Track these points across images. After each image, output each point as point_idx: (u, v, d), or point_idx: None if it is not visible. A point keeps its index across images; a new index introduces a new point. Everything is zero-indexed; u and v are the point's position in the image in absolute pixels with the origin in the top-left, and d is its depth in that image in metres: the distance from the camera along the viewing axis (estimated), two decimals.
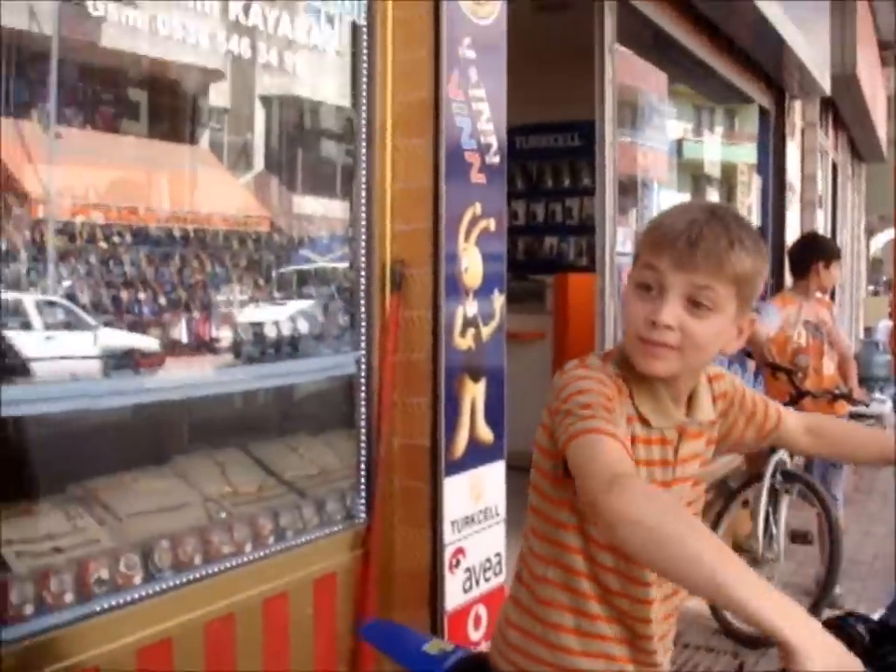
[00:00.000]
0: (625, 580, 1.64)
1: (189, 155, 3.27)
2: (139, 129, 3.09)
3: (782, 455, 4.93)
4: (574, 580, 1.64)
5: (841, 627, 1.35)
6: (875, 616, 1.39)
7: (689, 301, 1.54)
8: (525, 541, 1.73)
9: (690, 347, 1.56)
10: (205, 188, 3.31)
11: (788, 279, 5.49)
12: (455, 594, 3.42)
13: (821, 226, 10.85)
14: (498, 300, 3.50)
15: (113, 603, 2.62)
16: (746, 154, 8.28)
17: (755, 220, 7.98)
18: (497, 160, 3.57)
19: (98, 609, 2.58)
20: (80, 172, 2.83)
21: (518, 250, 7.87)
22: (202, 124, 3.37)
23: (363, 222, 3.37)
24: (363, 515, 3.40)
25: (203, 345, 3.04)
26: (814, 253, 5.31)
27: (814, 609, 4.55)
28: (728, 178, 8.19)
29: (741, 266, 1.55)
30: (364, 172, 3.36)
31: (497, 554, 3.64)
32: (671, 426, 1.65)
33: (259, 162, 3.56)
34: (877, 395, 9.92)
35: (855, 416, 8.35)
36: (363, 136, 3.36)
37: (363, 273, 3.37)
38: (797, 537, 5.18)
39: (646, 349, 1.57)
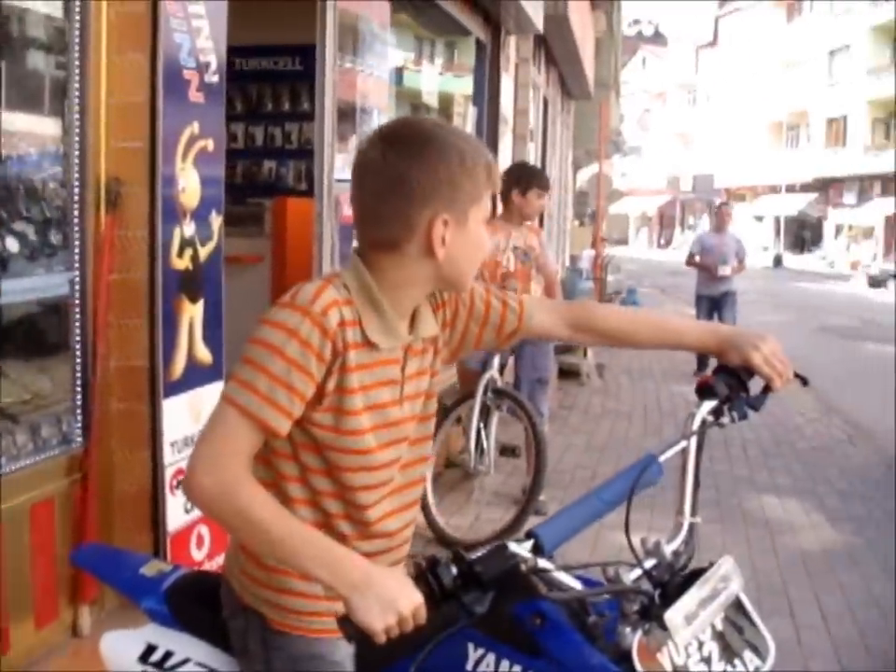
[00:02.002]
0: (346, 503, 1.70)
1: None
2: None
3: (493, 373, 5.22)
4: (292, 508, 1.67)
5: (428, 572, 1.45)
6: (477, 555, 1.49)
7: None
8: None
9: None
10: None
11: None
12: (176, 515, 3.43)
13: (532, 158, 11.33)
14: (216, 221, 3.49)
15: None
16: (463, 85, 8.49)
17: None
18: (216, 79, 3.52)
19: None
20: None
21: (237, 174, 7.75)
22: None
23: (76, 138, 3.25)
24: (80, 439, 3.33)
25: None
26: (512, 181, 5.62)
27: (521, 516, 4.90)
28: (445, 108, 8.38)
29: None
30: (77, 86, 3.23)
31: None
32: (398, 345, 1.70)
33: None
34: None
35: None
36: (76, 49, 3.22)
37: (76, 192, 3.26)
38: (506, 450, 5.52)
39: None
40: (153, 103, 3.23)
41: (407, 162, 1.61)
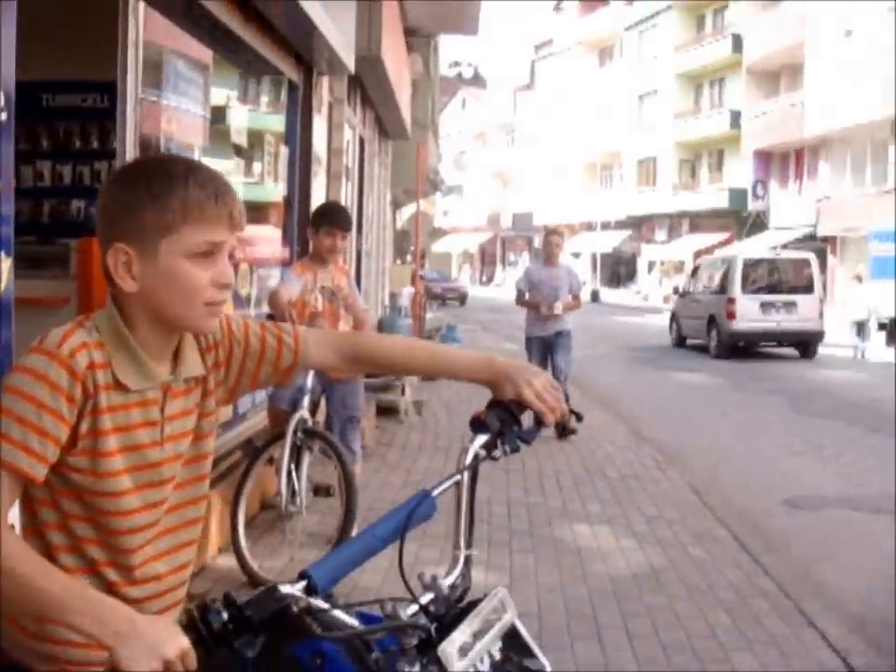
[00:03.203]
0: (108, 549, 1.67)
1: None
2: None
3: (303, 413, 5.20)
4: (54, 556, 1.64)
5: (198, 617, 1.44)
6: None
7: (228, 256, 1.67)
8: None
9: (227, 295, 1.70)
10: None
11: None
12: None
13: (348, 198, 11.39)
14: (5, 262, 3.36)
15: None
16: (278, 124, 8.47)
17: (282, 190, 8.23)
18: (3, 117, 3.40)
19: None
20: None
21: (43, 213, 7.51)
22: None
23: None
24: None
25: None
26: (311, 220, 5.69)
27: None
28: (259, 147, 8.34)
29: None
30: None
31: None
32: (154, 386, 1.68)
33: None
34: None
35: (374, 375, 8.93)
36: None
37: None
38: (320, 489, 5.49)
39: (214, 310, 1.66)
40: None
41: (104, 192, 1.66)
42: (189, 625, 1.45)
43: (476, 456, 1.80)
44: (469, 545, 1.79)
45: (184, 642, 1.42)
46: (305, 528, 5.40)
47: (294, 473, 5.12)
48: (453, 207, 69.96)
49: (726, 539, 6.44)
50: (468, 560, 1.78)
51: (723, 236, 42.21)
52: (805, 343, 19.92)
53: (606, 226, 51.36)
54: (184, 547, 1.78)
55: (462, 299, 42.18)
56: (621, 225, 51.33)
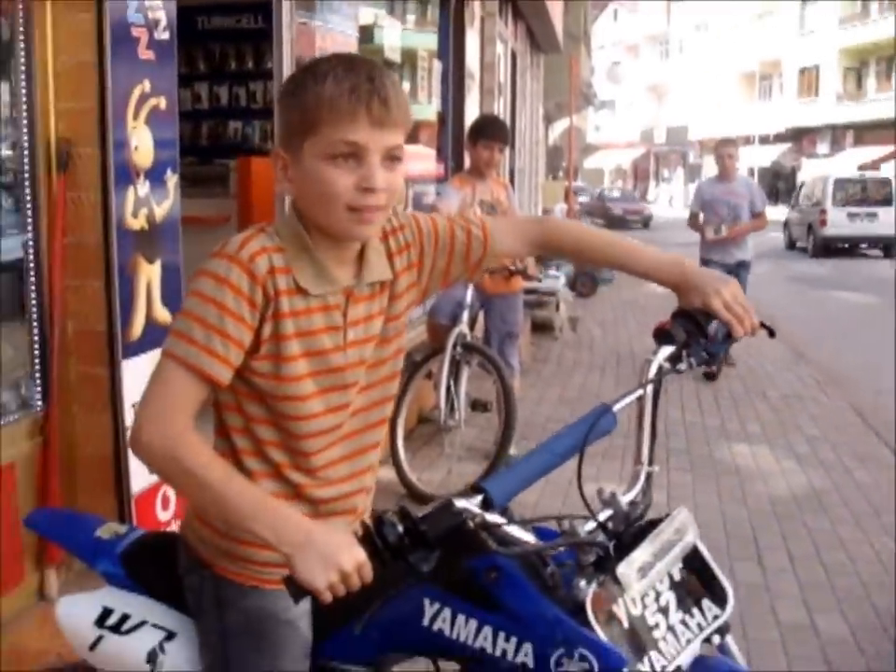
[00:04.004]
0: (291, 452, 1.68)
1: None
2: None
3: (462, 328, 5.20)
4: (240, 460, 1.67)
5: (374, 531, 1.43)
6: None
7: (385, 158, 1.58)
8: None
9: (391, 202, 1.62)
10: None
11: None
12: (140, 476, 3.40)
13: (501, 112, 11.23)
14: (171, 180, 3.42)
15: None
16: (429, 41, 8.39)
17: (436, 106, 8.17)
18: (166, 36, 3.45)
19: None
20: None
21: (202, 134, 7.67)
22: None
23: (24, 101, 3.18)
24: (40, 403, 3.29)
25: None
26: (469, 133, 5.60)
27: (491, 470, 4.89)
28: (412, 64, 8.28)
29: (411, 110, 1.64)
30: (23, 48, 3.15)
31: None
32: (336, 290, 1.66)
33: None
34: (552, 272, 10.61)
35: (529, 292, 8.88)
36: (20, 8, 3.14)
37: (26, 154, 3.19)
38: (478, 405, 5.50)
39: (360, 216, 1.58)
40: (101, 62, 3.16)
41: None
42: (364, 538, 1.45)
43: (660, 369, 1.72)
44: (650, 461, 1.73)
45: (360, 554, 1.42)
46: (463, 442, 5.45)
47: (452, 387, 5.14)
48: (605, 122, 68.46)
49: (893, 463, 6.19)
50: (649, 477, 1.72)
51: (890, 149, 40.00)
52: (887, 247, 23.97)
53: (764, 139, 49.38)
54: (369, 449, 1.77)
55: (646, 221, 37.12)
56: (780, 138, 49.27)
